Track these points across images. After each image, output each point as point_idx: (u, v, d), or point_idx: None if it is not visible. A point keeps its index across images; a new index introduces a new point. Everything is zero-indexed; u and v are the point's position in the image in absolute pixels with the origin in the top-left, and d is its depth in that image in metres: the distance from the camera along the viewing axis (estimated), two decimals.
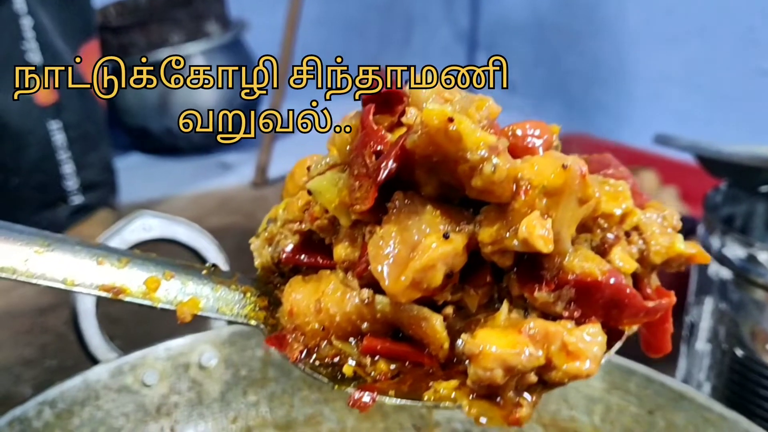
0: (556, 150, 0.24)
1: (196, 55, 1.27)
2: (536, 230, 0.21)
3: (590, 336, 0.22)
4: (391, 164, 0.22)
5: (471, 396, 0.23)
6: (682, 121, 1.24)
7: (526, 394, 0.23)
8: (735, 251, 0.43)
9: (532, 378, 0.22)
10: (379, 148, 0.23)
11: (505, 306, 0.23)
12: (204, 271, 0.29)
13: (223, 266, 0.48)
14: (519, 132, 0.24)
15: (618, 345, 0.24)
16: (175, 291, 0.27)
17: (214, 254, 0.46)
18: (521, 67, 1.58)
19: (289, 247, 0.27)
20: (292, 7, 1.16)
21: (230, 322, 0.28)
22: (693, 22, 1.20)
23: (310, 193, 0.25)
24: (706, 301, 0.47)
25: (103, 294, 0.26)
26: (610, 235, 0.24)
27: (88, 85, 0.96)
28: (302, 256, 0.27)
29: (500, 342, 0.22)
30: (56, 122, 0.92)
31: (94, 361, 0.43)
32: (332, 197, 0.24)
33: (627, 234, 0.24)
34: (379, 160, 0.22)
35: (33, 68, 0.88)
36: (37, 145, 0.92)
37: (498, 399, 0.23)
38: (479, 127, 0.22)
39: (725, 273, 0.45)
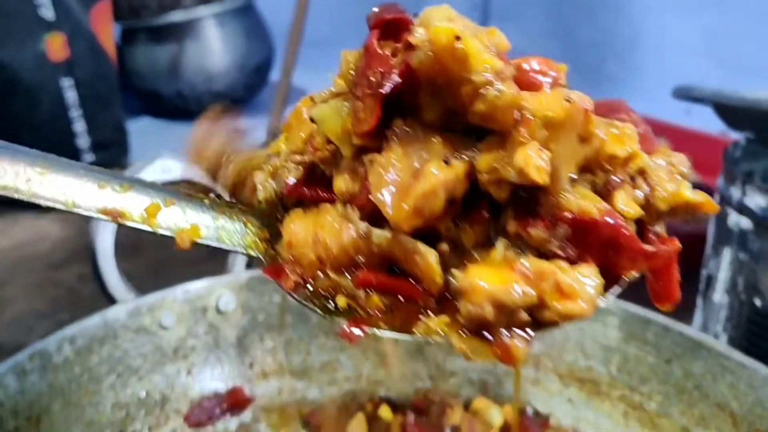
0: (563, 87, 0.24)
1: (208, 18, 1.26)
2: (532, 160, 0.21)
3: (585, 276, 0.22)
4: (395, 78, 0.22)
5: (461, 332, 0.22)
6: None
7: (519, 331, 0.22)
8: (756, 200, 0.43)
9: (524, 316, 0.22)
10: (382, 69, 0.22)
11: (500, 243, 0.23)
12: (206, 201, 0.28)
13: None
14: (526, 66, 0.23)
15: (616, 289, 0.24)
16: (175, 218, 0.27)
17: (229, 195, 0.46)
18: (533, 37, 1.57)
19: (292, 180, 0.26)
20: None
21: (230, 252, 0.28)
22: None
23: (313, 121, 0.25)
24: (725, 252, 0.47)
25: (103, 217, 0.26)
26: (615, 178, 0.23)
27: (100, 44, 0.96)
28: (304, 189, 0.26)
29: (492, 278, 0.22)
30: (68, 79, 0.92)
31: (112, 301, 0.43)
32: (335, 125, 0.24)
33: (632, 178, 0.24)
34: (384, 76, 0.22)
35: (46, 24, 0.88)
36: (49, 101, 0.92)
37: (489, 336, 0.22)
38: (487, 50, 0.22)
39: (745, 223, 0.44)
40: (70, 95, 0.93)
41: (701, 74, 1.23)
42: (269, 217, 0.27)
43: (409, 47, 0.22)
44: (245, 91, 1.35)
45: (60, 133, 0.93)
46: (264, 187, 0.27)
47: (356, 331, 0.24)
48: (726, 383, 0.41)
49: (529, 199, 0.23)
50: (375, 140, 0.23)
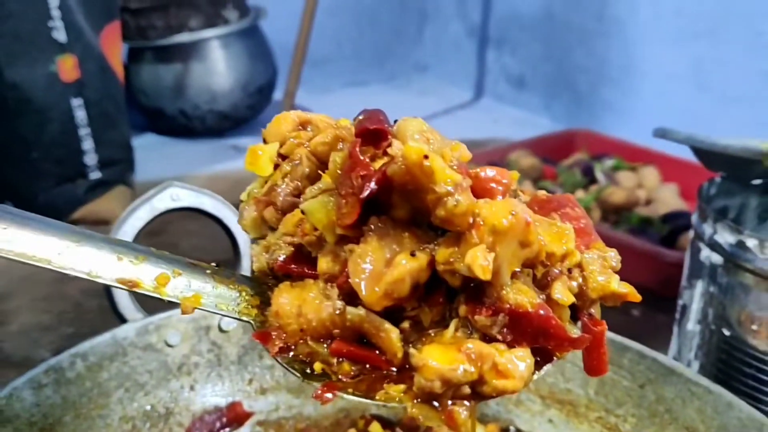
0: (514, 194, 0.28)
1: (213, 39, 1.30)
2: (478, 260, 0.25)
3: (518, 358, 0.26)
4: (372, 185, 0.26)
5: (415, 399, 0.27)
6: (687, 121, 1.26)
7: (461, 401, 0.27)
8: (726, 237, 0.46)
9: (466, 390, 0.26)
10: (363, 173, 0.27)
11: (452, 325, 0.27)
12: (208, 270, 0.32)
13: (243, 240, 0.51)
14: (482, 174, 0.27)
15: (548, 367, 0.28)
16: (181, 287, 0.30)
17: (231, 217, 0.49)
18: (530, 62, 1.60)
19: (282, 257, 0.30)
20: None
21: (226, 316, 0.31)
22: (701, 23, 1.23)
23: (303, 213, 0.29)
24: (698, 285, 0.50)
25: (120, 286, 0.29)
26: (555, 270, 0.28)
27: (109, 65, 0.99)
28: (292, 266, 0.30)
29: (441, 358, 0.26)
30: (78, 99, 0.95)
31: (122, 320, 0.46)
32: (322, 217, 0.28)
33: (569, 270, 0.28)
34: (363, 181, 0.26)
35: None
36: (58, 120, 0.95)
37: (436, 404, 0.27)
38: (449, 166, 0.26)
39: (716, 258, 0.47)
40: (80, 114, 0.96)
41: (690, 102, 1.27)
42: (261, 285, 0.31)
43: (386, 155, 0.27)
44: (248, 111, 1.38)
45: (68, 150, 0.96)
46: (258, 259, 0.31)
47: (328, 395, 0.27)
48: (694, 407, 0.43)
49: (477, 289, 0.27)
50: (355, 230, 0.27)
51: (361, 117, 0.29)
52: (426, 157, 0.25)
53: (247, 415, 0.49)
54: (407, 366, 0.27)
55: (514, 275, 0.27)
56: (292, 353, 0.29)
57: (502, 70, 1.69)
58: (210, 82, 1.32)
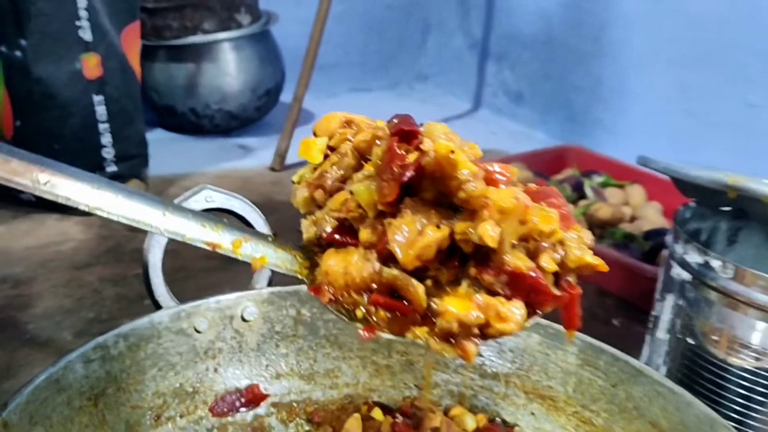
0: (515, 185, 0.35)
1: (225, 42, 1.35)
2: (488, 232, 0.32)
3: (516, 308, 0.33)
4: (410, 172, 0.33)
5: (436, 338, 0.34)
6: (674, 144, 1.33)
7: (473, 339, 0.34)
8: (694, 257, 0.52)
9: (476, 331, 0.33)
10: (402, 164, 0.33)
11: (464, 283, 0.34)
12: (270, 239, 0.39)
13: (260, 222, 0.57)
14: (491, 168, 0.34)
15: (534, 319, 0.35)
16: (250, 250, 0.38)
17: (261, 225, 0.55)
18: (529, 79, 1.67)
19: (329, 229, 0.37)
20: (323, 2, 1.24)
21: (286, 274, 0.38)
22: (691, 52, 1.29)
23: (351, 193, 0.36)
24: (668, 298, 0.56)
25: (206, 247, 0.36)
26: (543, 244, 0.34)
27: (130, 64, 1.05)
28: (336, 236, 0.37)
29: (458, 306, 0.33)
30: (99, 96, 1.01)
31: (158, 306, 0.52)
32: (366, 197, 0.35)
33: (554, 245, 0.35)
34: (403, 169, 0.33)
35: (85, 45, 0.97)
36: (80, 115, 1.00)
37: (453, 341, 0.34)
38: (468, 159, 0.33)
39: (685, 275, 0.53)
40: (100, 110, 1.01)
41: (677, 126, 1.33)
42: (309, 252, 0.38)
43: (419, 150, 0.33)
44: (255, 112, 1.44)
45: (88, 144, 1.02)
46: (307, 230, 0.38)
47: (368, 333, 0.35)
48: (659, 405, 0.49)
49: (485, 255, 0.34)
50: (391, 208, 0.34)
51: (395, 120, 0.36)
52: (452, 152, 0.32)
53: (263, 397, 0.54)
54: (429, 314, 0.34)
55: (513, 246, 0.33)
56: (338, 303, 0.36)
57: (501, 84, 1.75)
58: (221, 82, 1.37)
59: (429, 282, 0.34)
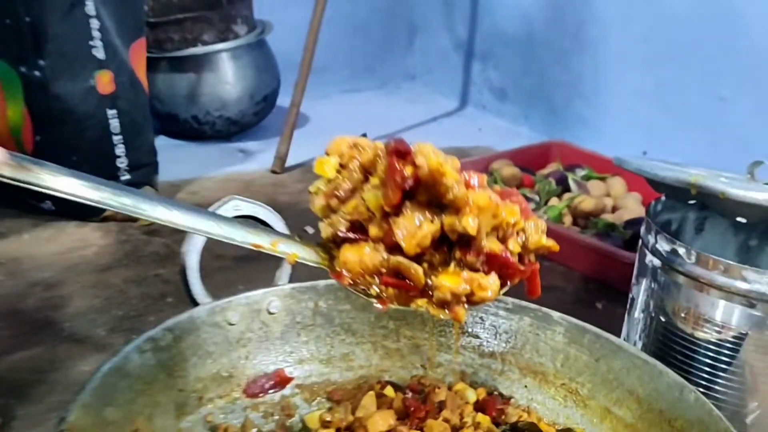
0: (487, 188, 0.44)
1: (224, 52, 1.42)
2: (470, 224, 0.42)
3: (492, 280, 0.43)
4: (410, 182, 0.42)
5: (433, 306, 0.44)
6: (651, 137, 1.41)
7: (462, 305, 0.44)
8: (664, 246, 0.60)
9: (464, 299, 0.43)
10: (402, 176, 0.42)
11: (453, 264, 0.44)
12: (297, 239, 0.47)
13: (280, 227, 0.64)
14: (466, 176, 0.43)
15: (505, 288, 0.45)
16: (284, 248, 0.46)
17: (281, 227, 0.62)
18: (512, 76, 1.74)
19: (343, 229, 0.45)
20: (317, 9, 1.31)
21: (311, 266, 0.46)
22: (665, 49, 1.37)
23: (363, 199, 0.44)
24: (643, 282, 0.63)
25: (252, 247, 0.44)
26: (510, 232, 0.44)
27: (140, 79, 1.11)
28: (350, 234, 0.45)
29: (450, 281, 0.43)
30: (112, 110, 1.07)
31: (195, 303, 0.59)
32: (374, 202, 0.43)
33: (517, 233, 0.44)
34: (404, 179, 0.42)
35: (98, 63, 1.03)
36: (95, 128, 1.06)
37: (446, 307, 0.44)
38: (454, 170, 0.42)
39: (656, 261, 0.61)
40: (113, 123, 1.08)
41: (653, 120, 1.41)
42: (327, 248, 0.47)
43: (413, 165, 0.42)
44: (254, 117, 1.50)
45: (103, 155, 1.08)
46: (325, 231, 0.47)
47: (382, 305, 0.45)
48: (636, 375, 0.56)
49: (467, 242, 0.43)
50: (394, 210, 0.43)
51: (392, 142, 0.44)
52: (441, 165, 0.41)
53: (289, 380, 0.61)
54: (427, 289, 0.44)
55: (487, 234, 0.43)
56: (356, 285, 0.45)
57: (485, 82, 1.82)
58: (220, 90, 1.44)
59: (425, 264, 0.44)
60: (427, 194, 0.42)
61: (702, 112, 1.32)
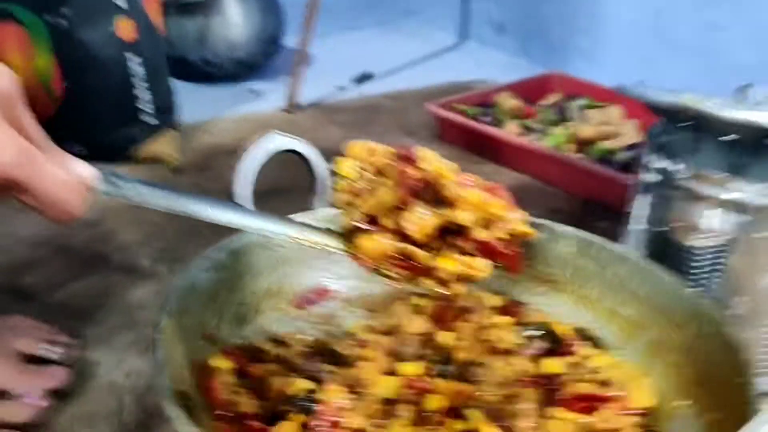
0: (476, 185, 0.51)
1: None
2: (465, 215, 0.50)
3: (483, 262, 0.51)
4: (416, 182, 0.49)
5: (437, 284, 0.51)
6: (647, 66, 1.46)
7: (459, 282, 0.52)
8: (660, 163, 0.67)
9: (461, 278, 0.51)
10: (412, 178, 0.50)
11: (452, 249, 0.51)
12: (323, 231, 0.54)
13: (317, 160, 0.71)
14: (462, 178, 0.51)
15: (494, 267, 0.53)
16: (317, 239, 0.53)
17: (315, 158, 0.69)
18: (510, 10, 1.78)
19: (360, 221, 0.52)
20: None
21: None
22: None
23: (378, 196, 0.51)
24: (642, 198, 0.71)
25: (289, 240, 0.51)
26: (498, 223, 0.51)
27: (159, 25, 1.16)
28: (365, 226, 0.52)
29: (448, 264, 0.51)
30: (134, 56, 1.12)
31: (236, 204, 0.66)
32: (388, 198, 0.50)
33: (503, 223, 0.52)
34: (414, 181, 0.49)
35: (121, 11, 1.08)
36: (118, 74, 1.11)
37: (446, 285, 0.51)
38: (452, 172, 0.50)
39: (655, 178, 0.68)
40: (134, 68, 1.13)
41: (649, 50, 1.46)
42: (346, 236, 0.54)
43: (419, 169, 0.50)
44: (261, 58, 1.55)
45: (126, 100, 1.13)
46: (344, 220, 0.53)
47: (395, 283, 0.52)
48: (638, 279, 0.64)
49: (462, 231, 0.51)
50: (405, 206, 0.50)
51: (401, 150, 0.51)
52: (441, 169, 0.49)
53: (331, 293, 0.69)
54: (430, 270, 0.51)
55: (479, 224, 0.51)
56: (375, 267, 0.52)
57: (485, 16, 1.86)
58: (228, 33, 1.48)
59: (428, 250, 0.51)
60: (431, 192, 0.50)
61: (694, 40, 1.37)
